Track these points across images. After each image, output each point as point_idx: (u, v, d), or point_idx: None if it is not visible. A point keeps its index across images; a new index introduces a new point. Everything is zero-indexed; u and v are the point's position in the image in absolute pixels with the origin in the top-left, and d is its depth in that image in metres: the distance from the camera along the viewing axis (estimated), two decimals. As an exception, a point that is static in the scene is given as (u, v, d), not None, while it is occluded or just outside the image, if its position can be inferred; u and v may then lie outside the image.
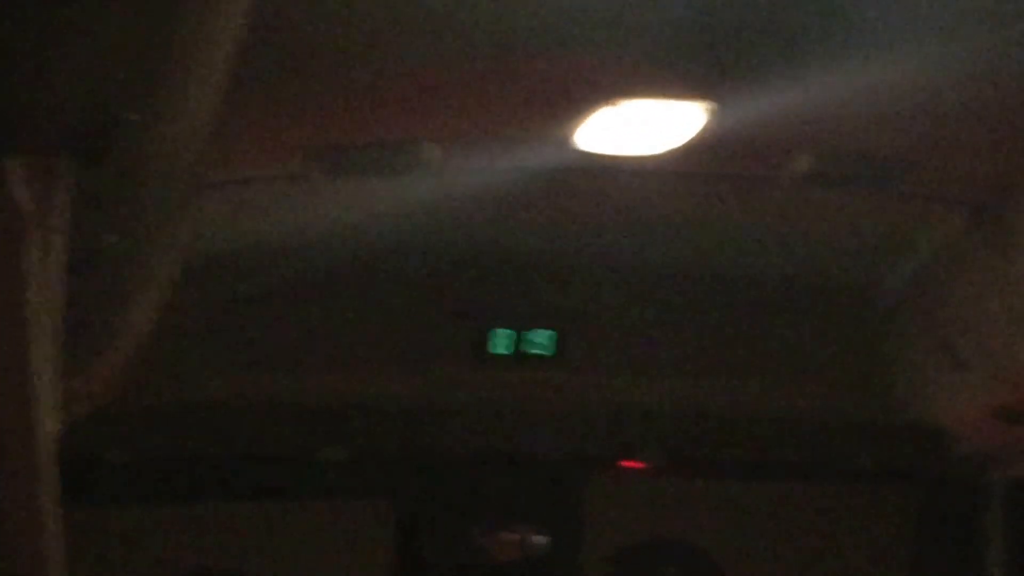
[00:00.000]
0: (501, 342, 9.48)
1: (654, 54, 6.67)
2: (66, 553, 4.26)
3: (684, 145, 7.48)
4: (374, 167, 7.62)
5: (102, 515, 7.02)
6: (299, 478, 9.75)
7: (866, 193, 8.17)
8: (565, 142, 7.50)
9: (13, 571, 4.16)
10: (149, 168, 5.11)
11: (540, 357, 9.59)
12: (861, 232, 8.91)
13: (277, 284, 8.92)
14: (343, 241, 8.61)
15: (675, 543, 7.41)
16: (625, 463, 10.17)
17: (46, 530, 4.17)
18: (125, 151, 4.68)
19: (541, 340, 9.53)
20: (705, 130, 7.31)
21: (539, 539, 10.17)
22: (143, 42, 4.12)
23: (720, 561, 7.33)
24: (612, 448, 10.06)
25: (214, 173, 6.56)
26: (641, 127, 7.27)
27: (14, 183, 4.22)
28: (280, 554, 9.53)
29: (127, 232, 5.66)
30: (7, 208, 4.24)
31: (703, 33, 6.48)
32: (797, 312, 9.62)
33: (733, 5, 6.01)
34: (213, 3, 4.19)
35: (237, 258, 8.32)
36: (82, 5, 3.72)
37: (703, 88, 6.99)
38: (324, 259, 8.82)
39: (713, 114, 7.18)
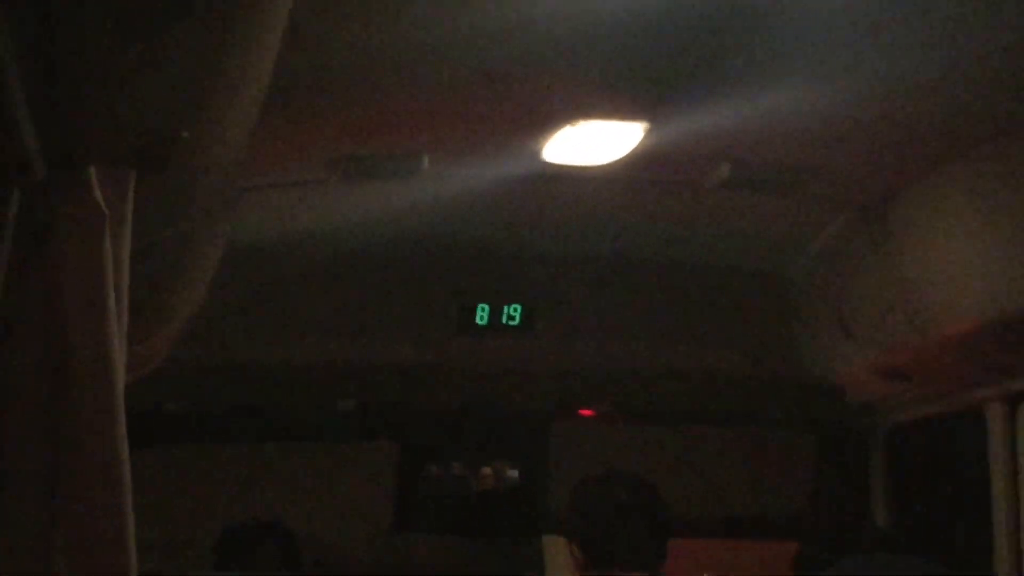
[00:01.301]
0: (482, 315, 9.59)
1: (602, 84, 6.71)
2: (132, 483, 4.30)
3: (626, 157, 7.53)
4: (381, 174, 7.67)
5: (159, 454, 7.06)
6: (319, 424, 9.83)
7: (775, 196, 8.20)
8: (534, 155, 7.55)
9: (94, 497, 4.17)
10: (197, 176, 5.13)
11: (511, 326, 9.66)
12: (772, 228, 8.95)
13: (301, 268, 8.98)
14: (355, 234, 8.66)
15: (622, 474, 7.41)
16: (581, 411, 10.23)
17: (120, 464, 4.19)
18: (178, 163, 4.70)
19: (512, 313, 9.62)
20: (642, 145, 7.36)
21: (511, 472, 10.25)
22: (195, 76, 4.16)
23: (660, 489, 7.35)
24: (569, 399, 10.13)
25: (250, 179, 6.59)
26: (593, 142, 7.34)
27: (95, 187, 4.24)
28: (305, 486, 9.57)
29: (179, 228, 5.68)
30: (90, 207, 4.26)
31: (641, 67, 6.51)
32: (722, 292, 9.70)
33: (664, 44, 6.02)
34: (252, 48, 4.22)
35: (268, 248, 8.36)
36: (148, 49, 3.75)
37: (640, 111, 7.03)
38: (340, 248, 8.87)
39: (648, 132, 7.23)
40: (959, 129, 7.16)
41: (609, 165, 7.64)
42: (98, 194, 4.31)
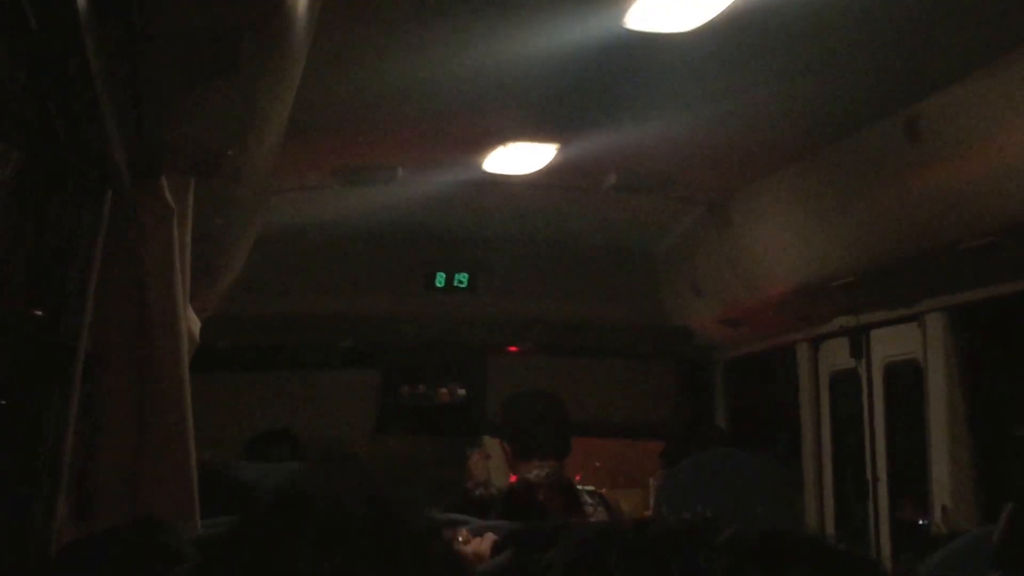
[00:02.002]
0: (440, 280, 9.62)
1: (526, 115, 6.68)
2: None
3: (542, 168, 7.51)
4: (369, 181, 7.66)
5: (210, 379, 7.06)
6: (326, 357, 9.87)
7: (648, 196, 8.19)
8: (477, 167, 7.53)
9: (166, 409, 4.13)
10: (239, 183, 5.08)
11: (460, 288, 9.70)
12: (645, 219, 8.94)
13: (312, 247, 8.99)
14: (350, 223, 8.65)
15: (537, 392, 7.42)
16: (509, 348, 10.22)
17: (183, 386, 4.15)
18: (225, 173, 4.65)
19: (461, 279, 9.65)
20: (554, 159, 7.33)
21: (460, 391, 10.23)
22: (238, 109, 4.11)
23: (566, 402, 7.37)
24: (501, 340, 10.14)
25: (276, 184, 6.54)
26: (517, 158, 7.32)
27: (165, 190, 4.19)
28: (315, 400, 9.59)
29: (225, 219, 5.63)
30: (162, 204, 4.22)
31: (553, 105, 6.48)
32: (609, 264, 9.74)
33: (569, 85, 6.01)
34: (278, 91, 4.17)
35: (288, 233, 8.33)
36: (205, 89, 3.70)
37: (551, 133, 7.01)
38: (340, 233, 8.87)
39: (558, 150, 7.20)
40: (781, 148, 7.15)
41: (531, 174, 7.61)
42: (168, 195, 4.29)
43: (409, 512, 1.77)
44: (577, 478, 7.13)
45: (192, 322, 4.94)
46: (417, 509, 1.79)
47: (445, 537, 1.80)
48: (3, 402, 3.89)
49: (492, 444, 9.05)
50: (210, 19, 3.25)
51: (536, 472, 6.63)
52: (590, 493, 7.01)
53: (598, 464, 10.66)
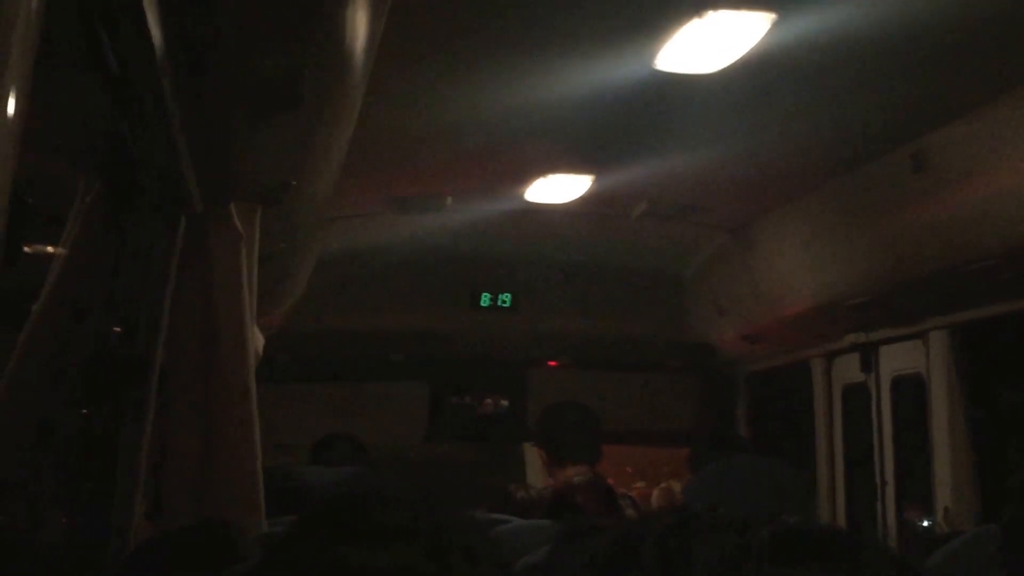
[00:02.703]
0: (485, 300, 9.60)
1: (565, 149, 6.67)
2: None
3: (579, 198, 7.49)
4: (420, 208, 7.67)
5: (274, 389, 7.04)
6: (380, 370, 9.86)
7: (676, 222, 8.17)
8: (519, 197, 7.52)
9: (232, 417, 4.13)
10: (300, 210, 5.07)
11: (503, 307, 9.69)
12: (673, 244, 8.93)
13: (368, 270, 8.98)
14: (403, 247, 8.66)
15: (571, 403, 7.40)
16: (548, 363, 10.20)
17: (250, 397, 4.13)
18: (289, 200, 4.64)
19: (505, 298, 9.63)
20: (590, 189, 7.33)
21: (503, 402, 10.20)
22: (300, 143, 4.10)
23: (599, 412, 7.35)
24: (541, 355, 10.12)
25: (335, 212, 6.54)
26: (556, 188, 7.31)
27: (234, 217, 4.18)
28: (369, 410, 9.58)
29: (289, 243, 5.62)
30: (231, 230, 4.21)
31: (589, 140, 6.47)
32: (640, 285, 9.70)
33: (604, 122, 6.00)
34: (336, 127, 4.16)
35: (346, 256, 8.34)
36: (270, 125, 3.69)
37: (587, 166, 7.01)
38: (393, 257, 8.89)
39: (594, 181, 7.19)
40: (798, 178, 7.13)
41: (568, 203, 7.61)
42: (236, 221, 4.28)
43: (456, 512, 1.75)
44: (610, 482, 7.09)
45: (256, 338, 4.93)
46: (464, 510, 1.77)
47: (483, 531, 1.79)
48: (85, 411, 3.89)
49: (532, 451, 9.04)
50: (275, 59, 3.23)
51: (578, 476, 6.64)
52: (621, 496, 6.97)
53: (629, 469, 10.63)
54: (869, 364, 8.12)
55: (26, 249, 4.07)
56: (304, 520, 1.76)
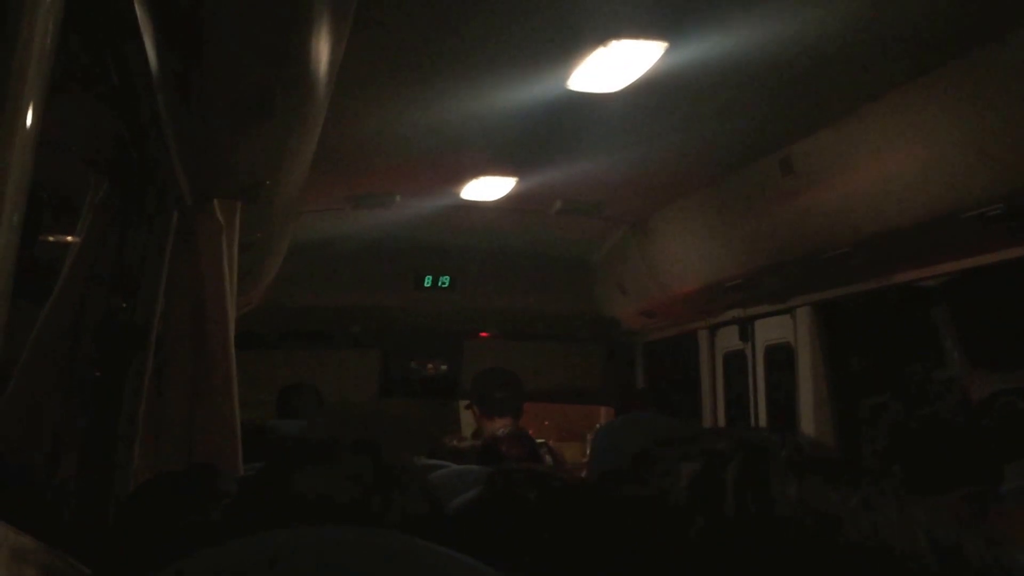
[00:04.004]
0: (428, 281, 9.59)
1: (491, 152, 6.66)
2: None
3: (505, 196, 7.51)
4: (373, 204, 7.65)
5: (251, 356, 6.99)
6: (340, 339, 9.84)
7: (586, 217, 8.18)
8: (455, 195, 7.52)
9: (215, 378, 4.11)
10: (273, 205, 5.03)
11: (443, 288, 9.68)
12: (583, 235, 8.93)
13: (330, 255, 8.95)
14: (358, 237, 8.64)
15: (498, 368, 7.41)
16: (480, 334, 10.19)
17: (231, 362, 4.11)
18: (264, 197, 4.61)
19: (444, 280, 9.62)
20: (514, 190, 7.33)
21: (443, 366, 10.21)
22: (274, 147, 4.08)
23: (521, 377, 7.35)
24: (474, 327, 10.13)
25: (302, 207, 6.51)
26: (486, 188, 7.32)
27: (217, 211, 4.15)
28: (330, 373, 9.54)
29: (264, 233, 5.59)
30: (215, 223, 4.18)
31: (510, 150, 6.47)
32: (557, 269, 9.73)
33: (524, 133, 6.01)
34: (305, 133, 4.14)
35: (312, 244, 8.30)
36: (247, 131, 3.67)
37: (512, 169, 7.02)
38: (351, 245, 8.85)
39: (517, 183, 7.20)
40: (687, 179, 7.17)
41: (497, 200, 7.61)
42: (219, 215, 4.26)
43: (390, 453, 1.80)
44: (531, 433, 7.11)
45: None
46: (397, 451, 1.83)
47: (419, 472, 1.85)
48: (96, 374, 3.86)
49: (464, 408, 9.10)
50: (252, 78, 3.21)
51: (501, 429, 6.68)
52: (540, 444, 6.99)
53: (547, 423, 10.66)
54: (746, 335, 8.17)
55: (50, 238, 4.06)
56: (270, 463, 1.82)
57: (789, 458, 0.86)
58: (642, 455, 0.93)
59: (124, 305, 3.93)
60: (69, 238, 4.00)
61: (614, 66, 4.81)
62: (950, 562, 0.81)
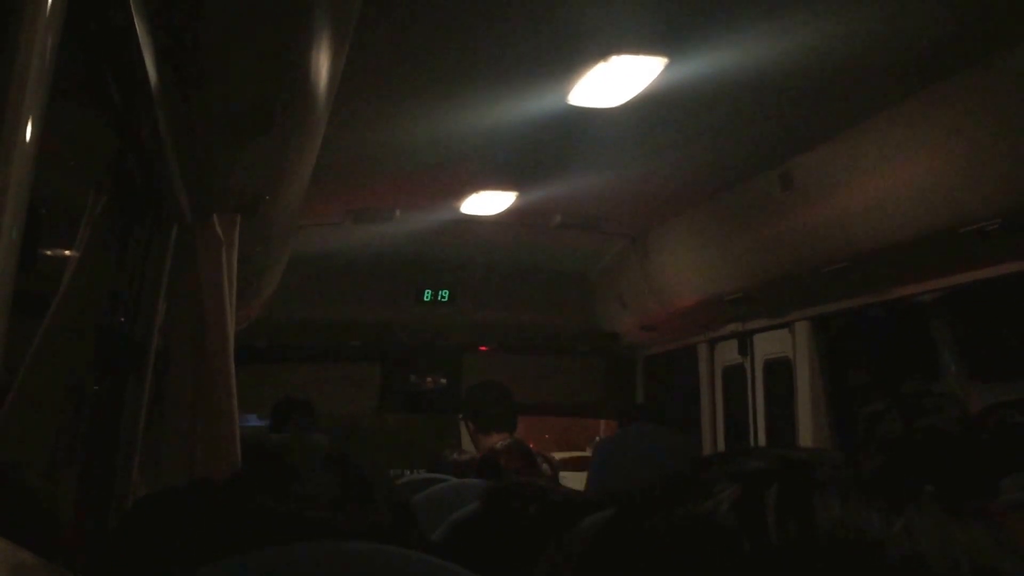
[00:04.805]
0: (427, 295, 9.57)
1: (491, 167, 6.67)
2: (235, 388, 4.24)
3: (505, 210, 7.51)
4: (373, 219, 7.64)
5: (250, 369, 6.97)
6: (340, 353, 9.81)
7: (585, 231, 8.18)
8: (455, 210, 7.51)
9: (213, 392, 4.10)
10: (273, 219, 5.03)
11: (443, 302, 9.67)
12: (582, 249, 8.93)
13: (330, 269, 8.94)
14: (359, 251, 8.62)
15: (491, 382, 7.40)
16: (480, 348, 10.17)
17: (230, 378, 4.10)
18: (264, 212, 4.61)
19: (444, 294, 9.60)
20: (514, 203, 7.33)
21: (442, 380, 10.18)
22: (272, 163, 4.07)
23: (522, 390, 7.36)
24: (473, 341, 10.11)
25: (302, 221, 6.50)
26: (486, 203, 7.32)
27: (216, 226, 4.15)
28: (330, 388, 9.51)
29: (263, 248, 5.59)
30: (215, 237, 4.17)
31: (509, 165, 6.48)
32: (557, 284, 9.71)
33: (523, 147, 6.01)
34: (303, 149, 4.14)
35: (311, 258, 8.30)
36: (247, 147, 3.67)
37: (512, 184, 7.02)
38: (351, 258, 8.83)
39: (517, 197, 7.20)
40: (687, 194, 7.17)
41: (497, 215, 7.60)
42: (218, 229, 4.25)
43: (361, 465, 1.82)
44: (532, 446, 7.10)
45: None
46: (369, 464, 1.84)
47: (391, 482, 1.86)
48: (93, 391, 3.85)
49: (462, 422, 9.10)
50: (252, 93, 3.21)
51: (500, 443, 6.67)
52: (539, 455, 6.98)
53: (547, 436, 10.68)
54: (745, 349, 8.16)
55: (47, 252, 4.05)
56: (238, 480, 1.84)
57: (831, 477, 0.85)
58: (669, 476, 0.92)
59: (123, 320, 3.93)
60: (67, 252, 3.99)
61: (615, 81, 4.81)
62: None
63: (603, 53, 4.55)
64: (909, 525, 0.81)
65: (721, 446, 8.65)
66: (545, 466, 6.79)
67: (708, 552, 0.82)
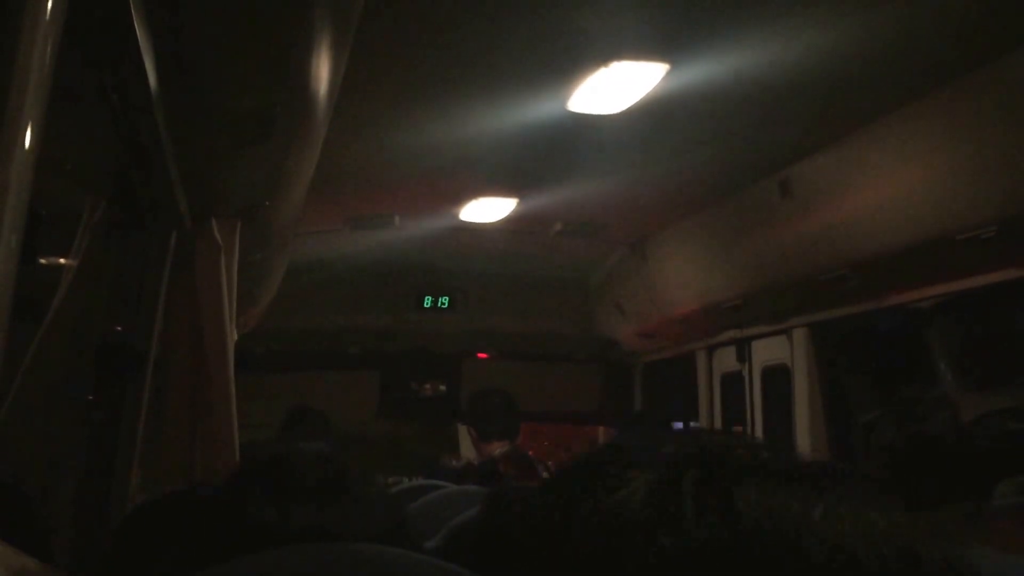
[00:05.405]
0: (427, 302, 9.56)
1: (491, 174, 6.68)
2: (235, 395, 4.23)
3: (505, 217, 7.51)
4: (372, 225, 7.65)
5: (250, 378, 6.96)
6: (338, 361, 9.78)
7: (585, 239, 8.19)
8: (454, 216, 7.52)
9: (215, 399, 4.08)
10: (272, 225, 5.03)
11: (442, 308, 9.66)
12: (582, 257, 8.95)
13: (329, 276, 8.94)
14: (357, 259, 8.61)
15: (493, 389, 7.40)
16: (479, 355, 10.16)
17: (230, 385, 4.09)
18: (263, 219, 4.61)
19: (443, 301, 9.60)
20: (514, 211, 7.33)
21: (441, 387, 10.16)
22: (272, 170, 4.07)
23: (521, 397, 7.36)
24: (473, 348, 10.09)
25: (301, 228, 6.50)
26: (486, 209, 7.33)
27: (215, 232, 4.14)
28: (329, 394, 9.47)
29: (263, 254, 5.58)
30: (214, 243, 4.17)
31: (511, 173, 6.49)
32: (556, 290, 9.71)
33: (523, 156, 6.02)
34: (302, 157, 4.14)
35: (310, 265, 8.30)
36: (246, 154, 3.67)
37: (512, 190, 7.03)
38: (350, 265, 8.83)
39: (517, 203, 7.20)
40: (685, 202, 7.18)
41: (496, 222, 7.60)
42: (217, 236, 4.25)
43: (354, 470, 1.82)
44: (531, 453, 7.10)
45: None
46: (361, 470, 1.84)
47: (384, 489, 1.87)
48: (91, 397, 3.84)
49: (463, 429, 9.07)
50: (251, 98, 3.21)
51: (500, 450, 6.68)
52: (539, 462, 6.99)
53: (546, 443, 10.65)
54: (744, 356, 8.15)
55: (41, 260, 4.04)
56: (229, 482, 1.84)
57: (749, 463, 0.82)
58: (575, 463, 0.89)
59: (119, 328, 3.93)
60: (62, 260, 3.99)
61: (615, 87, 4.80)
62: (910, 570, 0.77)
63: (604, 58, 4.54)
64: (830, 511, 0.78)
65: (719, 453, 8.65)
66: (545, 474, 6.79)
67: (620, 549, 0.77)
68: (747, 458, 0.83)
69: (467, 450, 8.92)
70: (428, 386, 10.24)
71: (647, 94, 4.88)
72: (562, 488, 0.85)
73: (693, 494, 0.78)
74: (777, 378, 7.67)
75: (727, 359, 8.45)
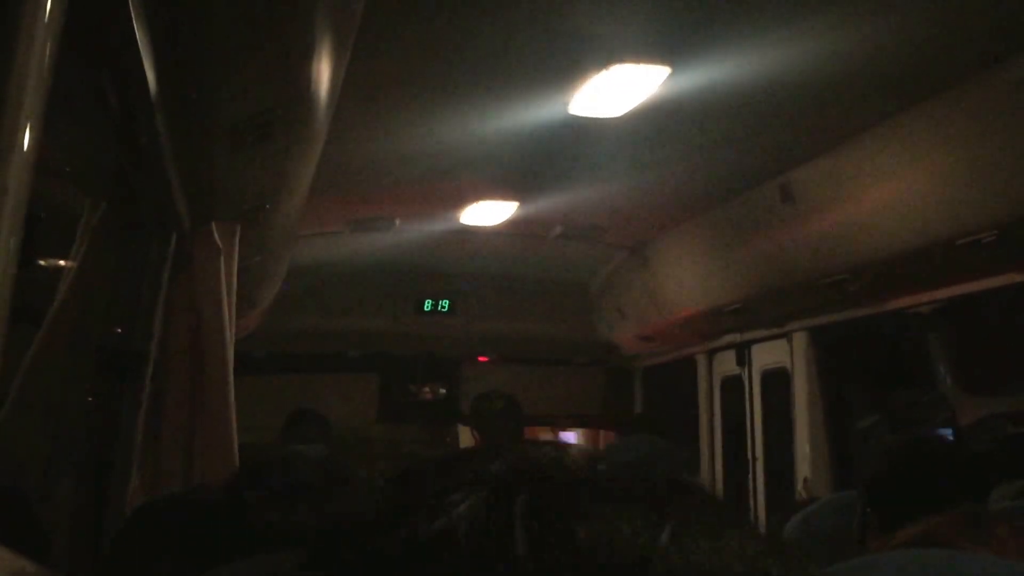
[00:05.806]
0: (428, 305, 9.56)
1: (492, 177, 6.68)
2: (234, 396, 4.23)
3: (505, 220, 7.52)
4: (373, 228, 7.65)
5: (250, 380, 6.95)
6: (338, 364, 9.77)
7: (585, 242, 8.18)
8: (454, 219, 7.51)
9: (211, 402, 4.08)
10: (273, 229, 5.03)
11: (443, 312, 9.65)
12: (583, 260, 8.94)
13: (330, 279, 8.95)
14: (359, 261, 8.62)
15: (496, 391, 7.37)
16: (479, 358, 10.15)
17: (229, 387, 4.08)
18: (263, 221, 4.61)
19: (444, 304, 9.60)
20: (515, 215, 7.33)
21: (441, 390, 10.14)
22: (272, 172, 4.07)
23: (521, 400, 7.33)
24: (473, 351, 10.07)
25: (302, 231, 6.50)
26: (487, 213, 7.33)
27: (215, 234, 4.14)
28: (329, 397, 9.43)
29: (263, 257, 5.57)
30: (213, 246, 4.17)
31: (511, 178, 6.50)
32: (556, 294, 9.71)
33: (524, 160, 6.01)
34: (303, 159, 4.14)
35: (311, 267, 8.28)
36: (246, 157, 3.66)
37: (513, 194, 7.01)
38: (351, 268, 8.83)
39: (518, 208, 7.20)
40: (686, 206, 7.17)
41: (497, 225, 7.61)
42: (217, 238, 4.24)
43: (350, 469, 1.86)
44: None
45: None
46: (361, 471, 1.88)
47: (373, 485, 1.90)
48: (90, 398, 3.84)
49: (464, 431, 9.06)
50: (251, 103, 3.21)
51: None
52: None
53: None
54: (743, 359, 8.15)
55: (41, 262, 4.03)
56: (229, 484, 1.88)
57: (585, 481, 0.74)
58: (392, 481, 0.80)
59: (119, 330, 3.92)
60: (62, 262, 3.98)
61: (616, 91, 4.80)
62: None
63: (605, 62, 4.54)
64: (677, 533, 0.72)
65: (718, 455, 8.65)
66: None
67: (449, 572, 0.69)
68: (583, 474, 0.75)
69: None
70: (428, 389, 10.23)
71: (648, 97, 4.88)
72: (381, 523, 0.77)
73: (524, 523, 0.70)
74: (777, 382, 7.67)
75: (727, 363, 8.45)
